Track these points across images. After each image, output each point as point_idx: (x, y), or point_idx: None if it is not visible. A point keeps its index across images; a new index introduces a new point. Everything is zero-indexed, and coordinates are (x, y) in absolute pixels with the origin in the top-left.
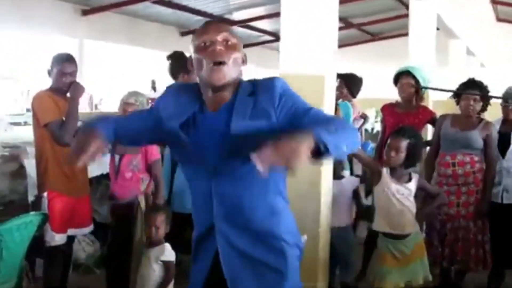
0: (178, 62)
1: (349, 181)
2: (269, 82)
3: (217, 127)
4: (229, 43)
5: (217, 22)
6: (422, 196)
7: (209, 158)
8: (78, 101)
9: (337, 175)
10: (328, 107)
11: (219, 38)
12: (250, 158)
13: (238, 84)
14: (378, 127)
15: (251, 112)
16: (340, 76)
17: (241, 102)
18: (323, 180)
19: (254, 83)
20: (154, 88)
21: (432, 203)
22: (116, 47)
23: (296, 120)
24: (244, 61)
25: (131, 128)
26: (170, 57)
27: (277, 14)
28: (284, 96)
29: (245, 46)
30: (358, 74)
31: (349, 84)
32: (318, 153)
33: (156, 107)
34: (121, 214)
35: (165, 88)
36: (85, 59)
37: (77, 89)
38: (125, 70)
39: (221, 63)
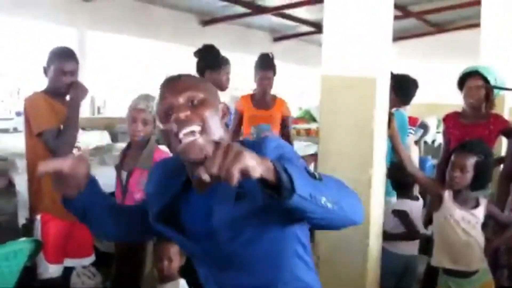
0: (203, 57)
1: (419, 204)
2: (261, 146)
3: (204, 215)
4: (195, 102)
5: (175, 79)
6: (492, 225)
7: (204, 249)
8: (79, 105)
9: (408, 194)
10: (379, 117)
11: (181, 100)
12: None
13: None
14: (440, 138)
15: (237, 192)
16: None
17: (223, 185)
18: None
19: (248, 146)
20: None
21: (503, 235)
22: (124, 39)
23: None
24: (225, 113)
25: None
26: (197, 52)
27: (319, 0)
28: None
29: (280, 38)
30: (416, 74)
31: (397, 87)
32: (277, 191)
33: (145, 193)
34: (127, 243)
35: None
36: (87, 53)
37: (79, 91)
38: (135, 67)
39: (192, 133)
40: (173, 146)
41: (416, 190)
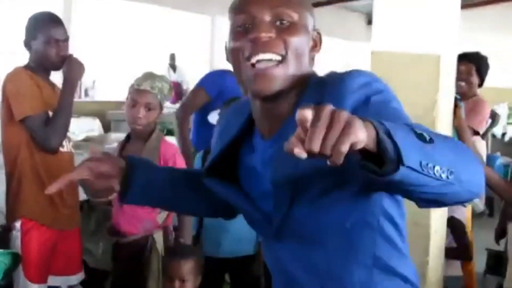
0: None
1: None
2: (339, 84)
3: (267, 167)
4: (285, 23)
5: None
6: None
7: (262, 213)
8: (75, 85)
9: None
10: (444, 104)
11: (267, 16)
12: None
13: (305, 85)
14: (511, 131)
15: None
16: (465, 57)
17: (292, 122)
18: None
19: (327, 82)
20: (173, 67)
21: None
22: (118, 5)
23: None
24: (316, 45)
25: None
26: None
27: None
28: (365, 106)
29: (316, 4)
30: (483, 52)
31: (481, 68)
32: (376, 162)
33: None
34: (127, 258)
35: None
36: (72, 21)
37: (75, 68)
38: (132, 40)
39: (270, 60)
40: (241, 71)
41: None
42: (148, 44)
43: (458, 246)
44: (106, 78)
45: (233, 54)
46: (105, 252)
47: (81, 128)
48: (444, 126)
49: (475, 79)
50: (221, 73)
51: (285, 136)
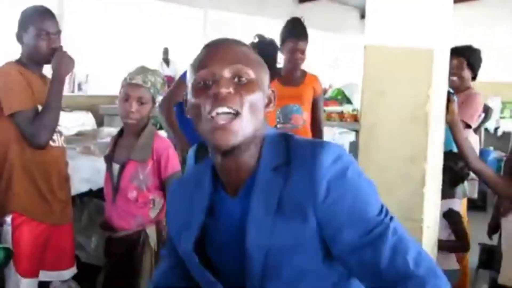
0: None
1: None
2: (310, 158)
3: (236, 228)
4: (243, 80)
5: (225, 44)
6: None
7: (234, 279)
8: (64, 79)
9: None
10: (436, 98)
11: (227, 73)
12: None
13: (262, 141)
14: (504, 125)
15: (278, 206)
16: (457, 51)
17: (262, 186)
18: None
19: (289, 144)
20: (166, 61)
21: None
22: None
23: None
24: (270, 102)
25: None
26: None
27: None
28: (332, 190)
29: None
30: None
31: (473, 62)
32: None
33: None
34: (119, 252)
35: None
36: (65, 17)
37: (64, 61)
38: (125, 34)
39: (227, 114)
40: (202, 125)
41: (474, 191)
42: (142, 38)
43: (457, 238)
44: (100, 73)
45: (194, 109)
46: (97, 247)
47: (74, 122)
48: (436, 121)
49: (467, 73)
50: None
51: (252, 196)
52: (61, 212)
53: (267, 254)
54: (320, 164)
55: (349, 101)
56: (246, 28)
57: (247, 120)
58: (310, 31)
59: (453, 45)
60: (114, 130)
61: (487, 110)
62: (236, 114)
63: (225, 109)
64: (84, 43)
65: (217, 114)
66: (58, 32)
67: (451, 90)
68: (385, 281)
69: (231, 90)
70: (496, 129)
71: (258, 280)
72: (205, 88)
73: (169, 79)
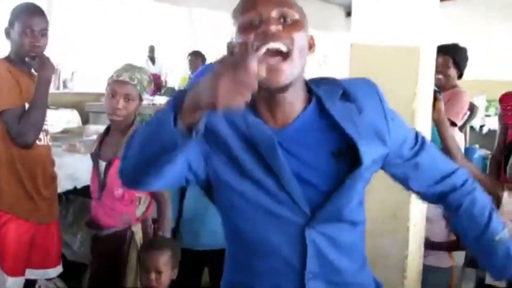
0: None
1: None
2: (369, 87)
3: (298, 152)
4: (288, 20)
5: None
6: None
7: (303, 196)
8: (49, 81)
9: None
10: (423, 97)
11: (274, 13)
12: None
13: (304, 83)
14: (490, 123)
15: (359, 128)
16: (443, 49)
17: (338, 109)
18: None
19: (336, 82)
20: (152, 59)
21: None
22: None
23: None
24: (311, 47)
25: None
26: None
27: None
28: (392, 119)
29: None
30: (461, 43)
31: (459, 61)
32: None
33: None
34: (105, 250)
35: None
36: (52, 13)
37: (46, 66)
38: (111, 32)
39: (278, 52)
40: (248, 64)
41: None
42: (127, 36)
43: (457, 237)
44: (85, 70)
45: (241, 47)
46: (83, 245)
47: (59, 120)
48: (423, 119)
49: (452, 72)
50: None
51: (306, 127)
52: (47, 210)
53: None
54: (381, 96)
55: None
56: (231, 27)
57: (296, 59)
58: None
59: (439, 43)
60: (99, 128)
61: (472, 108)
62: (287, 54)
63: (275, 45)
64: (69, 40)
65: (267, 49)
66: (44, 29)
67: (437, 89)
68: (441, 177)
69: (280, 27)
70: (481, 127)
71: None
72: (252, 28)
73: (155, 77)
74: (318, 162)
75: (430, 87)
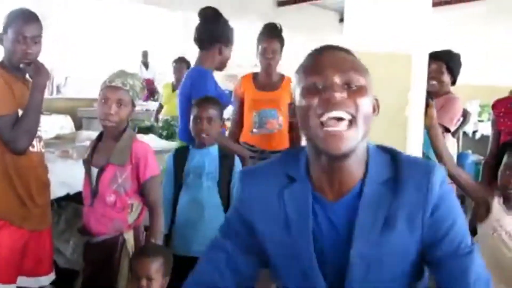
0: (217, 27)
1: None
2: (424, 174)
3: (337, 233)
4: (353, 86)
5: (336, 51)
6: None
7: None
8: (44, 87)
9: None
10: (415, 103)
11: (339, 79)
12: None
13: (368, 152)
14: (482, 129)
15: (385, 219)
16: (436, 55)
17: (372, 199)
18: None
19: (397, 159)
20: (145, 64)
21: None
22: (91, 2)
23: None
24: (375, 110)
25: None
26: (202, 14)
27: None
28: (440, 206)
29: (285, 2)
30: (453, 48)
31: (452, 67)
32: None
33: (241, 208)
34: (97, 257)
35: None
36: (45, 17)
37: (41, 72)
38: (104, 37)
39: (340, 120)
40: (310, 128)
41: None
42: (121, 41)
43: None
44: (79, 75)
45: (303, 111)
46: (75, 251)
47: (52, 125)
48: (415, 125)
49: (446, 78)
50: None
51: (361, 206)
52: (40, 217)
53: (370, 264)
54: (434, 181)
55: None
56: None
57: (360, 126)
58: (289, 34)
59: (431, 50)
60: (92, 134)
61: (465, 114)
62: (351, 120)
63: (339, 114)
64: (63, 45)
65: (329, 118)
66: (37, 37)
67: (430, 95)
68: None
69: (345, 95)
70: (474, 132)
71: (357, 284)
72: (316, 92)
73: (148, 82)
74: None
75: (422, 94)
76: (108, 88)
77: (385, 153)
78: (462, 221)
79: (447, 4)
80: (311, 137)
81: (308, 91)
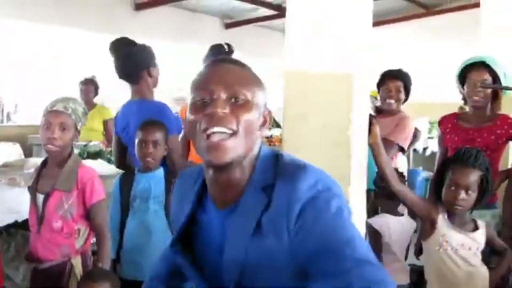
0: (135, 56)
1: (410, 223)
2: (290, 179)
3: (218, 241)
4: (239, 101)
5: (225, 64)
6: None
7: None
8: None
9: (393, 210)
10: (358, 122)
11: (223, 94)
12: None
13: (255, 159)
14: (432, 145)
15: (256, 226)
16: (393, 74)
17: (247, 203)
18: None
19: (277, 163)
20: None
21: (499, 265)
22: (39, 28)
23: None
24: (265, 122)
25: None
26: (117, 51)
27: None
28: (306, 214)
29: (233, 24)
30: (401, 67)
31: (408, 85)
32: None
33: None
34: (45, 283)
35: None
36: None
37: None
38: (55, 64)
39: (223, 133)
40: (196, 140)
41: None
42: (71, 67)
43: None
44: (29, 102)
45: (190, 125)
46: (25, 278)
47: (1, 153)
48: (359, 144)
49: (403, 96)
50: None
51: (240, 211)
52: None
53: (242, 271)
54: (299, 187)
55: (278, 125)
56: (174, 55)
57: (241, 139)
58: (238, 55)
59: (376, 68)
60: (40, 160)
61: (416, 133)
62: (232, 134)
63: (221, 129)
64: (12, 71)
65: (213, 133)
66: None
67: (373, 114)
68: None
69: (227, 110)
70: (424, 149)
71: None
72: (203, 106)
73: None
74: None
75: (365, 112)
76: (50, 113)
77: (272, 159)
78: (344, 233)
79: (393, 22)
80: (199, 150)
81: (195, 106)
